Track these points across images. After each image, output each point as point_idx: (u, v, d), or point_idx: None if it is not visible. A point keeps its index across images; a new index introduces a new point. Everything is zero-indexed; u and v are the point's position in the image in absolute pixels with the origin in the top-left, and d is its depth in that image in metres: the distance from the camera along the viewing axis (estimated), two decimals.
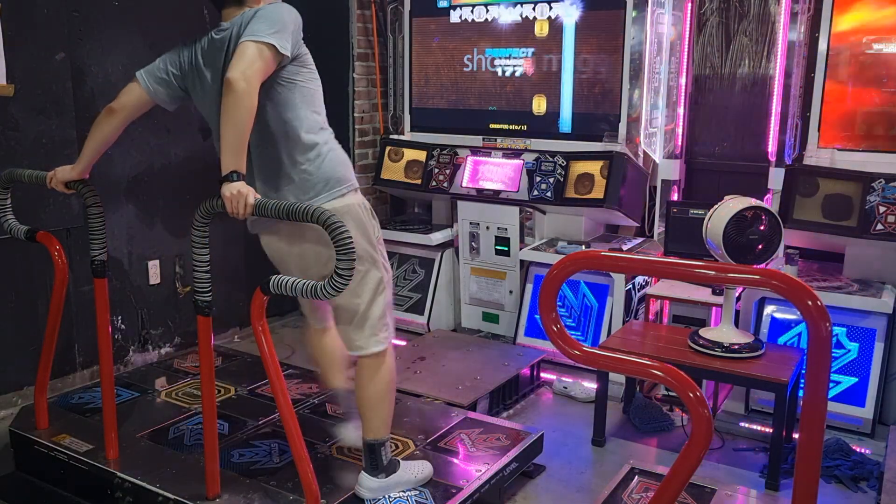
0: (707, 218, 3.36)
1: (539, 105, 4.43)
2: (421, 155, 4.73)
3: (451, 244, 4.64)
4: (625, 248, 4.21)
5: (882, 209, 3.42)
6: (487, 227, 4.45)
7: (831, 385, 3.28)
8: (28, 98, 3.53)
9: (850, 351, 3.47)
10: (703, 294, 3.71)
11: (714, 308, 3.67)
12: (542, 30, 4.34)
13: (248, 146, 2.37)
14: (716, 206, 3.35)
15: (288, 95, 2.44)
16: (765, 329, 3.65)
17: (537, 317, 4.00)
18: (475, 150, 4.61)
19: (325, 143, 2.51)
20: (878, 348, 3.42)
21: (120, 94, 2.59)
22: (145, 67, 2.58)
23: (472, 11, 4.55)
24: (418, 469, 2.70)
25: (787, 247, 3.64)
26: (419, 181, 4.68)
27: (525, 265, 4.34)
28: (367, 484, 2.58)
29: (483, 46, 4.55)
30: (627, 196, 4.12)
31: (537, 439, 3.08)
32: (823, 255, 3.90)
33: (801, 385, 3.17)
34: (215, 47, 2.46)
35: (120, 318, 4.07)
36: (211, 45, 2.48)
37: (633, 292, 4.05)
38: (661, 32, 4.14)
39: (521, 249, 4.33)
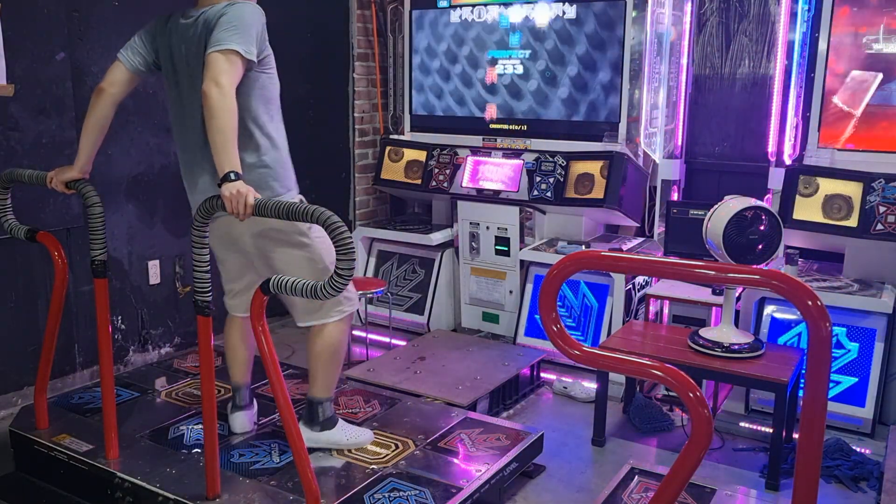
0: (707, 218, 3.36)
1: (539, 105, 4.43)
2: (421, 155, 4.73)
3: (451, 244, 4.64)
4: (625, 248, 4.21)
5: (882, 209, 3.42)
6: (487, 227, 4.45)
7: (831, 385, 3.28)
8: (28, 98, 3.53)
9: (850, 351, 3.47)
10: (703, 294, 3.71)
11: (714, 308, 3.67)
12: (542, 30, 4.33)
13: (200, 144, 2.56)
14: (716, 206, 3.35)
15: (244, 101, 2.51)
16: (765, 329, 3.65)
17: (537, 317, 4.00)
18: (475, 150, 4.61)
19: (277, 147, 2.67)
20: (878, 348, 3.42)
21: (106, 74, 2.68)
22: (124, 46, 2.69)
23: (472, 11, 4.55)
24: (354, 434, 2.92)
25: (787, 247, 3.64)
26: (419, 181, 4.68)
27: (525, 265, 4.34)
28: (303, 435, 2.74)
29: (483, 46, 4.55)
30: (627, 196, 4.12)
31: (537, 439, 3.08)
32: (823, 255, 3.90)
33: (801, 385, 3.17)
34: (184, 32, 2.58)
35: (120, 318, 4.07)
36: (182, 28, 2.59)
37: (633, 292, 4.05)
38: (661, 32, 4.14)
39: (521, 249, 4.33)
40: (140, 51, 2.68)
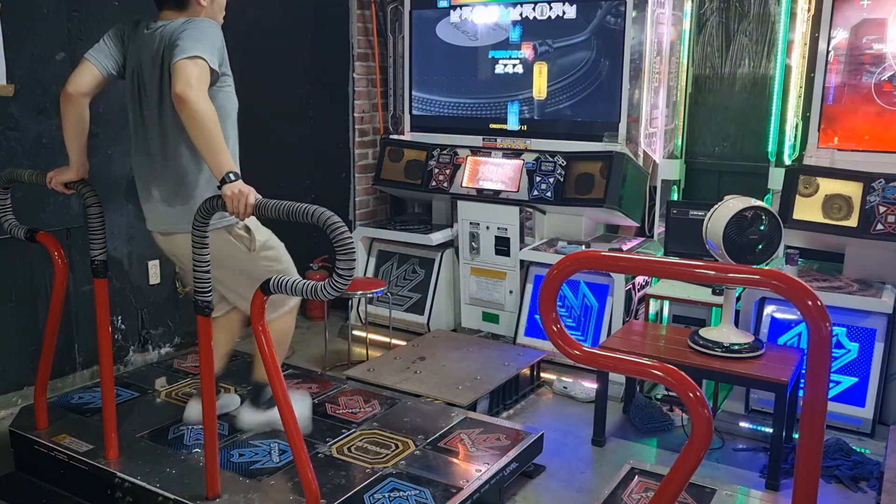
0: (707, 218, 3.36)
1: (539, 104, 4.43)
2: (421, 155, 4.73)
3: (451, 244, 4.64)
4: (625, 248, 4.21)
5: (882, 209, 3.42)
6: (487, 227, 4.45)
7: (831, 385, 3.28)
8: (28, 98, 3.53)
9: (850, 351, 3.47)
10: (703, 294, 3.71)
11: (714, 308, 3.67)
12: (541, 29, 4.33)
13: (154, 156, 2.60)
14: (716, 206, 3.35)
15: None
16: (765, 329, 3.65)
17: (537, 317, 4.00)
18: (475, 150, 4.61)
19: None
20: (878, 348, 3.42)
21: (72, 76, 2.60)
22: (93, 48, 2.66)
23: (472, 11, 4.55)
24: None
25: (787, 247, 3.65)
26: (419, 181, 4.68)
27: (525, 265, 4.34)
28: (247, 415, 2.98)
29: (483, 46, 4.55)
30: (627, 196, 4.12)
31: (537, 439, 3.08)
32: (823, 255, 3.90)
33: (801, 385, 3.17)
34: (144, 43, 2.59)
35: (120, 318, 4.07)
36: (144, 38, 2.60)
37: (633, 292, 4.05)
38: (661, 32, 4.14)
39: (521, 249, 4.33)
40: (111, 53, 2.65)
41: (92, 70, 2.61)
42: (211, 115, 2.30)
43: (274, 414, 2.85)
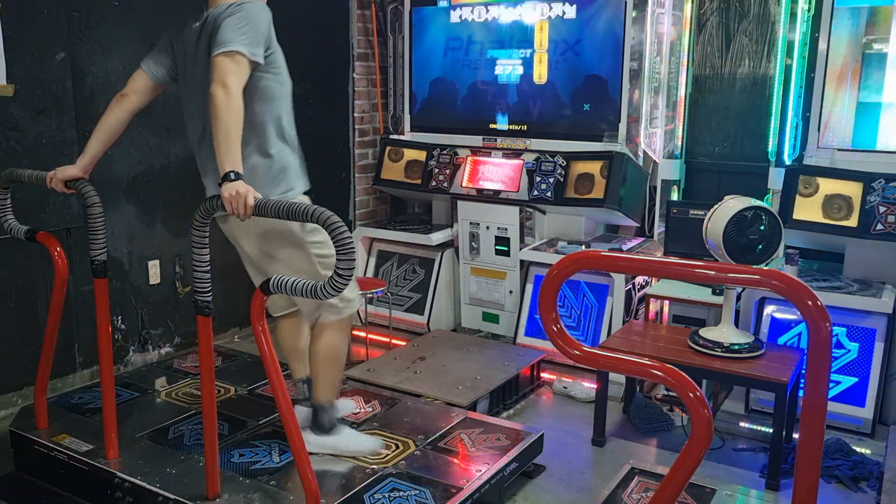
0: (707, 218, 3.36)
1: (539, 104, 4.43)
2: (421, 155, 4.73)
3: (451, 244, 4.64)
4: (625, 248, 4.21)
5: (882, 209, 3.42)
6: (487, 227, 4.45)
7: (831, 385, 3.28)
8: (28, 98, 3.53)
9: (850, 351, 3.47)
10: (703, 294, 3.71)
11: (714, 308, 3.67)
12: (542, 29, 4.33)
13: (196, 141, 2.64)
14: (716, 206, 3.35)
15: (245, 102, 2.47)
16: (765, 329, 3.65)
17: (537, 317, 3.99)
18: (475, 150, 4.61)
19: (277, 147, 2.63)
20: (878, 348, 3.42)
21: (128, 82, 2.75)
22: (147, 57, 2.76)
23: (472, 11, 4.55)
24: (360, 442, 2.89)
25: (787, 247, 3.64)
26: (419, 181, 4.68)
27: (525, 265, 4.34)
28: (311, 439, 2.77)
29: (483, 46, 4.55)
30: (627, 196, 4.12)
31: (537, 439, 3.08)
32: (823, 255, 3.90)
33: (801, 385, 3.17)
34: (194, 35, 2.61)
35: (120, 318, 4.07)
36: (192, 33, 2.62)
37: (633, 292, 4.05)
38: (661, 32, 4.14)
39: (521, 249, 4.33)
40: (162, 60, 2.73)
41: (142, 76, 2.74)
42: (236, 115, 2.34)
43: (338, 442, 2.84)
